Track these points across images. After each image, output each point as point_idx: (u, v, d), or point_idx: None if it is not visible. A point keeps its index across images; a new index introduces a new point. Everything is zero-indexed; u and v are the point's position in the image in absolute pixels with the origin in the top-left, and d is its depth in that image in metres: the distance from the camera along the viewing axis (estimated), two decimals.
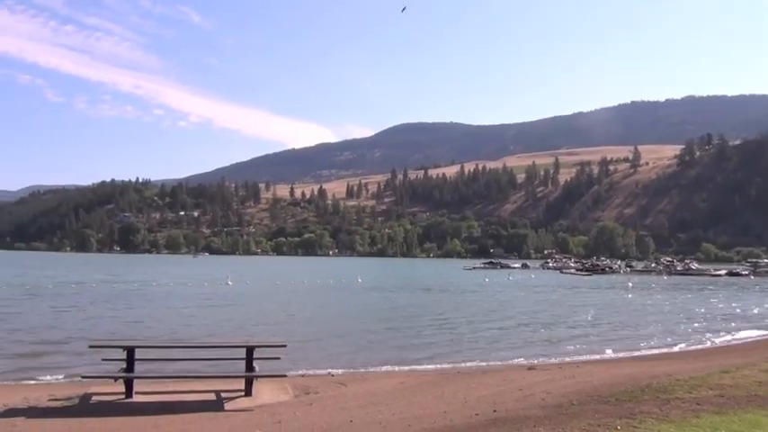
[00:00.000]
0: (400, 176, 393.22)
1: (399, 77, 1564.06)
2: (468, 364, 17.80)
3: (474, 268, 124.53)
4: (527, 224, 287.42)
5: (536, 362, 17.93)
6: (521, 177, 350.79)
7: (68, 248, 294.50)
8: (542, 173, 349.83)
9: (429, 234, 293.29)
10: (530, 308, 38.86)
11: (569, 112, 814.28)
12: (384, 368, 16.86)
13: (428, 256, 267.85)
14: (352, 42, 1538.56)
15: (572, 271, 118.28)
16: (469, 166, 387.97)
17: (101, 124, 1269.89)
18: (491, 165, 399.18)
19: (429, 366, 17.32)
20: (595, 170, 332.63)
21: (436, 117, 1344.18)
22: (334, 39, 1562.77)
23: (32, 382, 14.48)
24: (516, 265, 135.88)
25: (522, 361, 18.29)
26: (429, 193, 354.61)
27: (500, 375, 14.11)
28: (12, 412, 9.76)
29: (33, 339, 21.16)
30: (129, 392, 10.71)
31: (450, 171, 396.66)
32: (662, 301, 46.09)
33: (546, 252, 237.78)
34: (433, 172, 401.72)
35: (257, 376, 11.10)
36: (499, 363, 18.06)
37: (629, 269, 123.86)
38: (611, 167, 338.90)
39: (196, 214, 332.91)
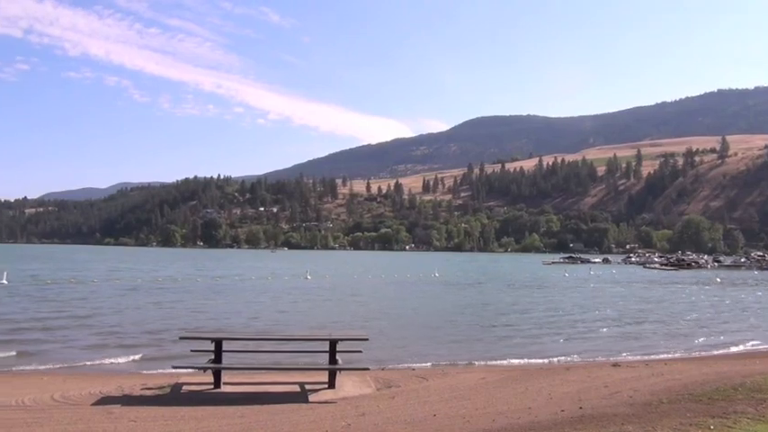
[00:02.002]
0: (477, 170, 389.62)
1: (476, 70, 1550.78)
2: (550, 359, 17.47)
3: (553, 263, 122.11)
4: (608, 218, 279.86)
5: (621, 358, 17.42)
6: (601, 170, 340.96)
7: (154, 243, 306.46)
8: (624, 165, 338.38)
9: (506, 228, 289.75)
10: (613, 303, 37.76)
11: (652, 103, 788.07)
12: (464, 363, 16.74)
13: (505, 251, 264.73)
14: (428, 37, 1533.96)
15: (656, 266, 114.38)
16: (548, 160, 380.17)
17: (184, 123, 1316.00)
18: (570, 158, 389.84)
19: (510, 362, 17.09)
20: (680, 162, 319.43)
21: (513, 110, 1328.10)
22: (411, 34, 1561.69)
23: (126, 370, 15.20)
24: (597, 260, 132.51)
25: (606, 357, 17.80)
26: (506, 186, 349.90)
27: (584, 372, 13.77)
28: (108, 400, 10.21)
29: (128, 331, 22.23)
30: (217, 383, 11.03)
31: (528, 164, 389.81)
32: (753, 298, 43.95)
33: (628, 247, 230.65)
34: (510, 165, 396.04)
35: (341, 369, 11.22)
36: (582, 359, 17.65)
37: (716, 264, 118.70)
38: (697, 159, 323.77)
39: (275, 210, 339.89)
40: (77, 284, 46.80)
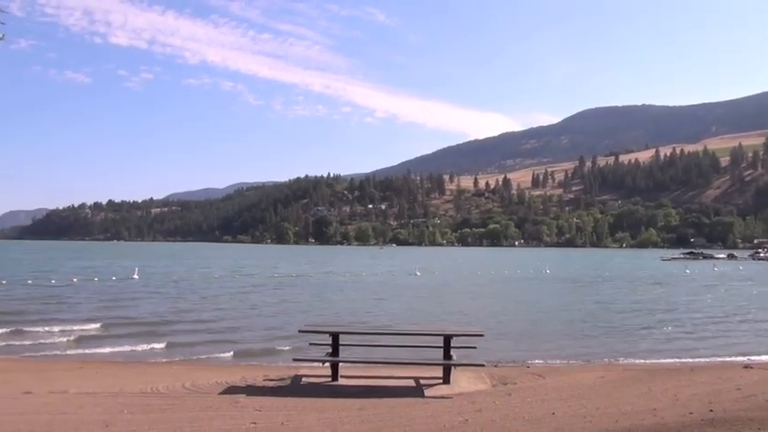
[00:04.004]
0: (589, 163, 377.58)
1: (588, 60, 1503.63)
2: (674, 359, 16.70)
3: (673, 259, 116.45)
4: (732, 211, 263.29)
5: (753, 360, 16.36)
6: (725, 160, 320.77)
7: (268, 240, 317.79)
8: (750, 155, 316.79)
9: (621, 223, 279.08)
10: (741, 301, 35.54)
11: None
12: (581, 361, 16.32)
13: (620, 247, 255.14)
14: (537, 29, 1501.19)
15: None
16: (665, 150, 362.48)
17: (295, 124, 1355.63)
18: (689, 148, 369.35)
19: (631, 361, 16.47)
20: None
21: (627, 100, 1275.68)
22: (518, 27, 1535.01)
23: (248, 362, 15.91)
24: (721, 256, 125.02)
25: (736, 359, 16.79)
26: (620, 179, 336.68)
27: (712, 373, 13.06)
28: (233, 389, 10.71)
29: (249, 324, 23.37)
30: (335, 376, 11.30)
31: (644, 156, 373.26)
32: None
33: (756, 241, 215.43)
34: (624, 158, 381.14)
35: (457, 365, 11.21)
36: (709, 359, 16.74)
37: None
38: None
39: (383, 207, 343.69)
40: (202, 280, 49.36)
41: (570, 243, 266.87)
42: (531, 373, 12.89)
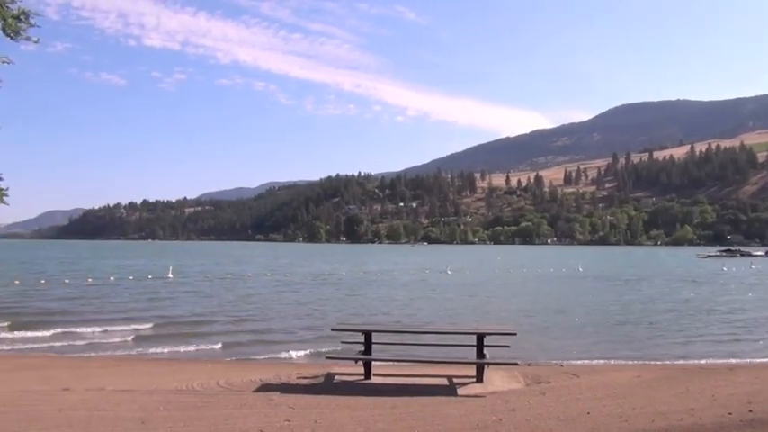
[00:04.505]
0: (622, 160, 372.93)
1: (620, 56, 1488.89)
2: (711, 360, 16.39)
3: (709, 256, 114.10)
4: None
5: None
6: (762, 156, 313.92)
7: (300, 239, 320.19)
8: None
9: (656, 220, 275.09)
10: None
11: None
12: (616, 360, 16.11)
13: (655, 244, 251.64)
14: (569, 25, 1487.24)
15: None
16: (701, 146, 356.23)
17: (326, 123, 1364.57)
18: (726, 143, 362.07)
19: (667, 360, 16.21)
20: None
21: (661, 95, 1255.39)
22: (550, 23, 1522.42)
23: (282, 360, 16.09)
24: (759, 253, 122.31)
25: None
26: (655, 176, 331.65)
27: (751, 373, 12.79)
28: (267, 387, 10.80)
29: (281, 322, 23.64)
30: (367, 374, 11.31)
31: (679, 152, 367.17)
32: None
33: None
34: (658, 154, 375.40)
35: (490, 363, 11.15)
36: (749, 360, 16.40)
37: None
38: None
39: (414, 205, 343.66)
40: (235, 279, 49.88)
41: (604, 241, 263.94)
42: (565, 372, 12.75)
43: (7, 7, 8.09)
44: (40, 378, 11.99)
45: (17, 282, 41.46)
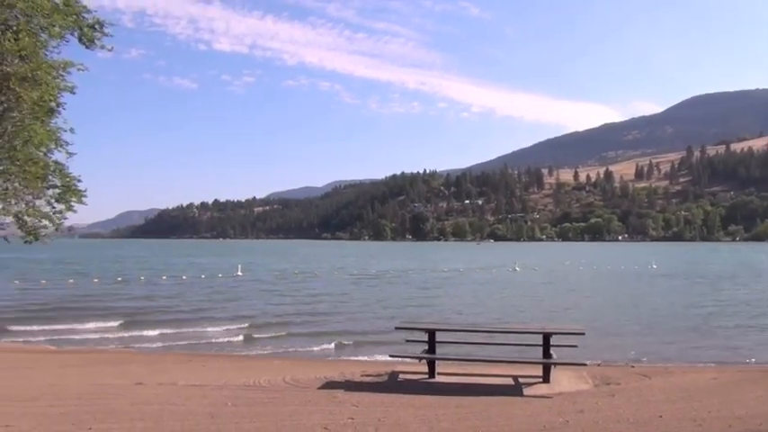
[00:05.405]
0: (697, 153, 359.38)
1: (692, 46, 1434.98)
2: None
3: None
4: None
5: None
6: None
7: (366, 237, 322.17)
8: None
9: (734, 215, 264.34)
10: None
11: None
12: (690, 362, 15.52)
13: (733, 240, 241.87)
14: (637, 16, 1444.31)
15: None
16: None
17: (391, 121, 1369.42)
18: None
19: (746, 362, 15.52)
20: None
21: (737, 85, 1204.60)
22: (617, 14, 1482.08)
23: (346, 358, 16.23)
24: None
25: None
26: (732, 169, 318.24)
27: None
28: (331, 384, 10.87)
29: (348, 320, 24.00)
30: (431, 372, 11.24)
31: (758, 144, 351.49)
32: None
33: None
34: (736, 146, 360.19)
35: (557, 363, 10.91)
36: None
37: None
38: None
39: (480, 202, 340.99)
40: (303, 277, 50.61)
41: (678, 237, 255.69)
42: (635, 374, 12.37)
43: (83, 17, 8.39)
44: (116, 372, 12.45)
45: (96, 280, 43.28)
